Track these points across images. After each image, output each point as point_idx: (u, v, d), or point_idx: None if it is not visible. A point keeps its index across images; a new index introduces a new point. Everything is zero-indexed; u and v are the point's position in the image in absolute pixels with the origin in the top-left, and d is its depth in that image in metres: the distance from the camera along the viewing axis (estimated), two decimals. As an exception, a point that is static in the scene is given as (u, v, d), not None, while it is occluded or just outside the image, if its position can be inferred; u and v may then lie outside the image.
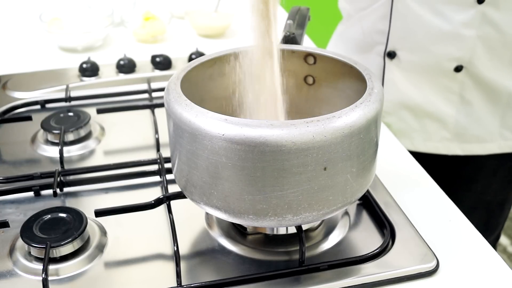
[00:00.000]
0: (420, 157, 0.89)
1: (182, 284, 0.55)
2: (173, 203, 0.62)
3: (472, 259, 0.59)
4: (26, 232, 0.58)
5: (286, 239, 0.60)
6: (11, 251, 0.60)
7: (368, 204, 0.66)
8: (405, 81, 0.93)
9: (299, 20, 0.70)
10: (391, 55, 0.93)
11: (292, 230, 0.59)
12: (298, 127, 0.47)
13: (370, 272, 0.56)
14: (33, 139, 0.81)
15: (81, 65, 0.99)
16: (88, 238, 0.60)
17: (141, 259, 0.59)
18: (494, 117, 0.93)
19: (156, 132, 0.78)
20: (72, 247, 0.58)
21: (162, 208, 0.63)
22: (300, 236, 0.56)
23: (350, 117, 0.49)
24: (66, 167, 0.73)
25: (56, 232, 0.59)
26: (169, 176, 0.67)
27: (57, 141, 0.78)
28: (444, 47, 0.88)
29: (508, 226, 1.89)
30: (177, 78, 0.56)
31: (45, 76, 0.99)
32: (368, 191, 0.66)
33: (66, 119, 0.81)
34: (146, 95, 0.92)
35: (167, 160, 0.69)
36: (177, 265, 0.55)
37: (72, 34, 1.13)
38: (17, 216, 0.65)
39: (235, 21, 1.27)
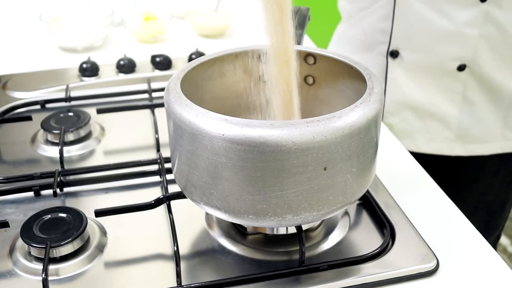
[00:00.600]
0: (421, 157, 0.89)
1: (182, 284, 0.55)
2: (173, 203, 0.62)
3: (472, 259, 0.59)
4: (26, 232, 0.58)
5: (286, 239, 0.60)
6: (11, 251, 0.60)
7: (368, 204, 0.66)
8: (408, 81, 0.93)
9: (299, 20, 0.70)
10: (394, 54, 0.92)
11: (292, 230, 0.59)
12: (298, 127, 0.47)
13: (370, 272, 0.56)
14: (33, 139, 0.81)
15: (81, 65, 0.99)
16: (88, 238, 0.60)
17: (141, 259, 0.59)
18: (496, 117, 0.93)
19: (156, 132, 0.78)
20: (72, 247, 0.58)
21: (162, 208, 0.63)
22: (300, 236, 0.56)
23: (350, 117, 0.49)
24: (66, 167, 0.73)
25: (56, 232, 0.59)
26: (169, 176, 0.67)
27: (57, 141, 0.78)
28: (446, 46, 0.87)
29: (508, 226, 1.89)
30: (177, 78, 0.56)
31: (45, 76, 0.99)
32: (368, 191, 0.66)
33: (66, 119, 0.81)
34: (146, 95, 0.92)
35: (167, 160, 0.69)
36: (177, 265, 0.55)
37: (72, 34, 1.13)
38: (17, 216, 0.65)
39: (235, 21, 1.27)
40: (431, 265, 0.57)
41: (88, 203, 0.68)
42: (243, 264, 0.58)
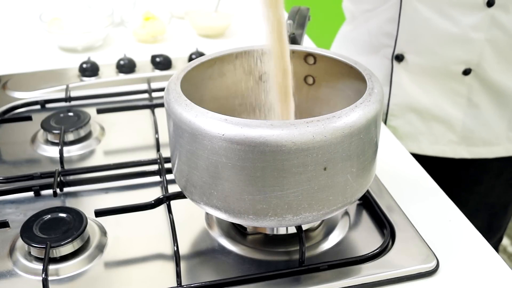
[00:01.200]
0: (424, 159, 0.89)
1: (182, 284, 0.55)
2: (173, 203, 0.62)
3: (472, 259, 0.59)
4: (26, 232, 0.58)
5: (286, 239, 0.60)
6: (11, 251, 0.60)
7: (368, 204, 0.66)
8: (413, 84, 0.93)
9: (299, 20, 0.70)
10: (399, 58, 0.92)
11: (292, 230, 0.59)
12: (298, 127, 0.47)
13: (370, 272, 0.56)
14: (33, 139, 0.81)
15: (81, 65, 0.99)
16: (88, 238, 0.60)
17: (141, 259, 0.59)
18: (501, 120, 0.93)
19: (156, 132, 0.78)
20: (72, 247, 0.58)
21: (162, 208, 0.63)
22: (300, 236, 0.56)
23: (350, 117, 0.49)
24: (66, 167, 0.73)
25: (56, 232, 0.59)
26: (169, 176, 0.67)
27: (57, 141, 0.78)
28: (452, 50, 0.87)
29: (508, 226, 1.89)
30: (177, 78, 0.56)
31: (45, 76, 0.99)
32: (368, 191, 0.66)
33: (66, 119, 0.81)
34: (146, 95, 0.92)
35: (167, 160, 0.69)
36: (177, 265, 0.55)
37: (72, 34, 1.13)
38: (17, 216, 0.65)
39: (235, 21, 1.27)
40: (431, 265, 0.57)
41: (88, 203, 0.68)
42: (243, 264, 0.58)
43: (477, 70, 0.88)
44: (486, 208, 1.03)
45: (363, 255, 0.58)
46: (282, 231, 0.59)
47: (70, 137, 0.79)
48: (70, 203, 0.68)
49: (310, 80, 0.67)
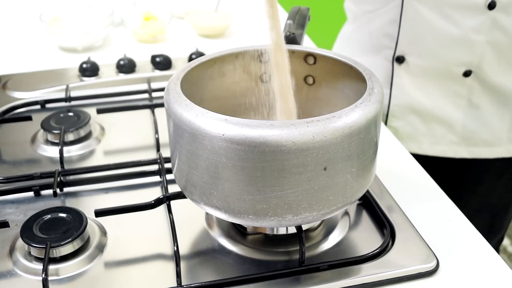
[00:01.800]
0: (425, 159, 0.89)
1: (182, 284, 0.55)
2: (173, 203, 0.62)
3: (472, 259, 0.59)
4: (26, 232, 0.58)
5: (286, 239, 0.60)
6: (11, 251, 0.60)
7: (368, 204, 0.66)
8: (413, 85, 0.93)
9: (299, 20, 0.70)
10: (400, 60, 0.92)
11: (292, 230, 0.59)
12: (298, 127, 0.47)
13: (370, 272, 0.56)
14: (33, 139, 0.81)
15: (81, 65, 0.99)
16: (88, 238, 0.60)
17: (141, 259, 0.59)
18: (502, 121, 0.93)
19: (156, 132, 0.78)
20: (72, 247, 0.58)
21: (162, 208, 0.63)
22: (300, 236, 0.56)
23: (350, 117, 0.49)
24: (66, 167, 0.73)
25: (56, 232, 0.59)
26: (169, 176, 0.67)
27: (57, 141, 0.78)
28: (453, 52, 0.87)
29: (509, 226, 1.89)
30: (177, 78, 0.56)
31: (45, 76, 0.99)
32: (368, 191, 0.66)
33: (66, 119, 0.81)
34: (146, 95, 0.92)
35: (167, 160, 0.69)
36: (177, 265, 0.55)
37: (72, 34, 1.13)
38: (17, 216, 0.65)
39: (235, 21, 1.27)
40: (431, 265, 0.57)
41: (88, 203, 0.68)
42: (243, 264, 0.58)
43: (478, 72, 0.88)
44: (487, 209, 1.03)
45: (363, 255, 0.58)
46: (282, 231, 0.59)
47: (70, 137, 0.79)
48: (70, 203, 0.68)
49: (310, 80, 0.67)
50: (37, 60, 1.09)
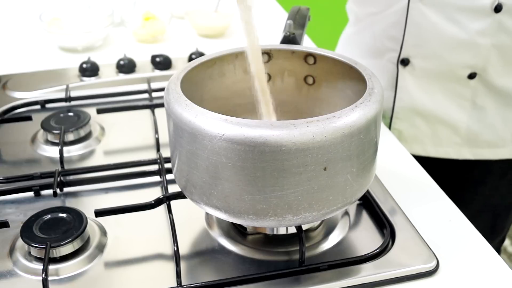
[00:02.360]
0: (428, 160, 0.89)
1: (182, 284, 0.55)
2: (173, 203, 0.62)
3: (472, 259, 0.59)
4: (26, 232, 0.58)
5: (286, 239, 0.60)
6: (11, 251, 0.60)
7: (368, 204, 0.66)
8: (418, 88, 0.93)
9: (299, 20, 0.70)
10: (404, 62, 0.92)
11: (292, 230, 0.59)
12: (298, 127, 0.47)
13: (370, 272, 0.56)
14: (33, 139, 0.81)
15: (81, 65, 0.99)
16: (88, 238, 0.60)
17: (141, 259, 0.59)
18: (506, 122, 0.93)
19: (156, 132, 0.78)
20: (72, 247, 0.58)
21: (162, 208, 0.63)
22: (300, 236, 0.56)
23: (350, 117, 0.49)
24: (66, 167, 0.73)
25: (56, 232, 0.59)
26: (169, 176, 0.67)
27: (57, 141, 0.78)
28: (458, 55, 0.87)
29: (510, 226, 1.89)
30: (177, 78, 0.56)
31: (45, 76, 0.99)
32: (368, 191, 0.66)
33: (66, 119, 0.81)
34: (146, 95, 0.92)
35: (167, 160, 0.69)
36: (177, 265, 0.55)
37: (72, 34, 1.13)
38: (17, 216, 0.65)
39: (235, 21, 1.27)
40: (431, 265, 0.57)
41: (88, 203, 0.68)
42: (243, 264, 0.58)
43: (482, 74, 0.88)
44: (490, 209, 1.03)
45: (363, 255, 0.58)
46: (282, 231, 0.59)
47: (70, 137, 0.79)
48: (70, 203, 0.68)
49: (310, 80, 0.67)
50: (37, 60, 1.09)
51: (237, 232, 0.62)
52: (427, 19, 0.87)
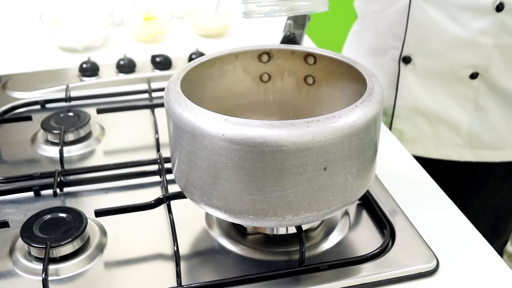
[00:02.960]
0: (430, 162, 0.88)
1: (182, 284, 0.55)
2: (173, 203, 0.62)
3: (472, 259, 0.59)
4: (26, 232, 0.58)
5: (286, 239, 0.60)
6: (11, 251, 0.60)
7: (368, 204, 0.66)
8: (420, 86, 0.93)
9: (299, 20, 0.70)
10: (406, 60, 0.92)
11: (292, 230, 0.59)
12: (298, 127, 0.47)
13: (370, 272, 0.56)
14: (33, 139, 0.81)
15: (81, 65, 0.99)
16: (88, 238, 0.60)
17: (141, 259, 0.59)
18: (508, 124, 0.92)
19: (156, 132, 0.78)
20: (72, 247, 0.58)
21: (162, 208, 0.63)
22: (300, 236, 0.56)
23: (350, 117, 0.49)
24: (66, 167, 0.73)
25: (56, 232, 0.59)
26: (169, 176, 0.67)
27: (57, 141, 0.78)
28: (460, 54, 0.87)
29: (508, 226, 1.89)
30: (177, 78, 0.56)
31: (45, 76, 0.99)
32: (368, 191, 0.66)
33: (66, 119, 0.81)
34: (146, 95, 0.92)
35: (167, 160, 0.69)
36: (177, 265, 0.55)
37: (72, 34, 1.13)
38: (17, 216, 0.65)
39: (235, 21, 1.27)
40: (431, 265, 0.57)
41: (88, 203, 0.68)
42: (243, 264, 0.58)
43: (485, 74, 0.88)
44: (492, 211, 1.02)
45: (363, 255, 0.58)
46: (282, 231, 0.59)
47: (70, 137, 0.79)
48: (70, 203, 0.68)
49: (310, 80, 0.67)
50: (37, 60, 1.09)
51: (237, 232, 0.62)
52: (428, 17, 0.86)
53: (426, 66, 0.91)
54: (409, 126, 0.96)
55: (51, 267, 0.57)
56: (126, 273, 0.58)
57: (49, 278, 0.54)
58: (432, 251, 0.59)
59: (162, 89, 0.92)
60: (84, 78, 0.98)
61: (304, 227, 0.59)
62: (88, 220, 0.61)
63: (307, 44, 1.16)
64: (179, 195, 0.61)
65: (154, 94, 0.92)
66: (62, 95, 0.91)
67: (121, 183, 0.71)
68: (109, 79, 0.98)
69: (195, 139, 0.50)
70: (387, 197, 0.67)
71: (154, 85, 0.94)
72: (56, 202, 0.67)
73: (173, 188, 0.63)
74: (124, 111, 0.84)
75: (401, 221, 0.63)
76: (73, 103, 0.91)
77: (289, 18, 0.70)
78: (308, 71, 0.66)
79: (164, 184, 0.67)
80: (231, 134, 0.48)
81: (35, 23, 1.20)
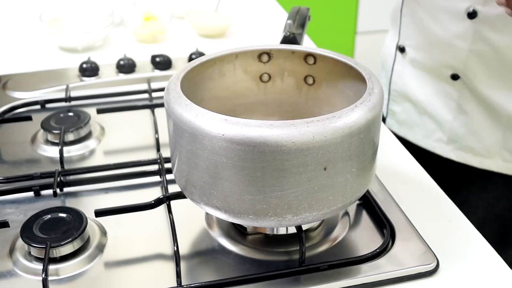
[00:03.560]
0: (435, 161, 0.90)
1: (182, 284, 0.55)
2: (173, 203, 0.62)
3: (472, 259, 0.59)
4: (26, 232, 0.58)
5: (286, 239, 0.60)
6: (11, 251, 0.60)
7: (368, 204, 0.66)
8: (411, 76, 0.95)
9: (299, 20, 0.70)
10: (401, 49, 0.95)
11: (292, 230, 0.59)
12: (298, 127, 0.47)
13: (370, 272, 0.56)
14: (33, 139, 0.81)
15: (81, 65, 0.99)
16: (88, 238, 0.60)
17: (141, 259, 0.59)
18: (493, 134, 0.90)
19: (156, 132, 0.78)
20: (72, 247, 0.58)
21: (162, 208, 0.63)
22: (300, 236, 0.57)
23: (350, 117, 0.49)
24: (66, 167, 0.73)
25: (56, 232, 0.59)
26: (169, 176, 0.67)
27: (57, 141, 0.78)
28: (440, 53, 0.88)
29: None
30: (177, 78, 0.56)
31: (45, 76, 0.99)
32: (368, 191, 0.66)
33: (66, 119, 0.81)
34: (146, 95, 0.92)
35: (167, 160, 0.70)
36: (177, 265, 0.55)
37: (72, 34, 1.13)
38: (17, 216, 0.65)
39: (235, 21, 1.27)
40: (431, 265, 0.57)
41: (88, 203, 0.68)
42: (243, 264, 0.58)
43: (464, 79, 0.87)
44: (496, 218, 1.00)
45: (363, 255, 0.58)
46: (282, 231, 0.59)
47: (70, 137, 0.79)
48: (70, 203, 0.68)
49: (310, 80, 0.67)
50: (37, 60, 1.09)
51: (237, 232, 0.62)
52: (416, 13, 0.89)
53: (416, 59, 0.93)
54: (401, 110, 0.99)
55: (51, 267, 0.57)
56: (126, 273, 0.58)
57: (49, 278, 0.54)
58: (432, 251, 0.59)
59: (162, 89, 0.92)
60: (84, 78, 0.98)
61: (304, 227, 0.59)
62: (88, 220, 0.61)
63: (307, 44, 1.16)
64: (179, 195, 0.61)
65: (154, 94, 0.92)
66: (62, 95, 0.91)
67: (121, 183, 0.71)
68: (109, 79, 0.98)
69: (195, 139, 0.50)
70: (387, 197, 0.67)
71: (154, 85, 0.94)
72: (56, 202, 0.67)
73: (173, 188, 0.63)
74: (124, 111, 0.84)
75: (401, 221, 0.63)
76: (73, 103, 0.91)
77: (289, 18, 0.70)
78: (308, 71, 0.66)
79: (164, 184, 0.67)
80: (231, 134, 0.48)
81: (35, 23, 1.20)
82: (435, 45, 0.88)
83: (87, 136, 0.81)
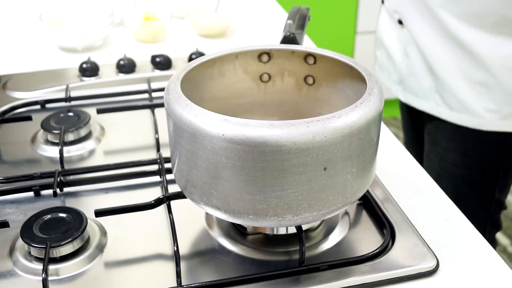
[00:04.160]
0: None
1: (182, 284, 0.55)
2: (173, 203, 0.62)
3: (472, 259, 0.59)
4: (26, 232, 0.58)
5: (286, 239, 0.60)
6: (11, 251, 0.60)
7: (368, 204, 0.66)
8: (383, 22, 1.11)
9: (299, 20, 0.70)
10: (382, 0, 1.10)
11: (292, 230, 0.59)
12: (298, 127, 0.47)
13: (370, 272, 0.56)
14: (33, 139, 0.81)
15: (81, 65, 0.99)
16: (88, 238, 0.60)
17: (141, 259, 0.59)
18: (427, 78, 1.00)
19: (156, 132, 0.78)
20: (72, 247, 0.58)
21: (162, 208, 0.63)
22: (300, 236, 0.57)
23: (350, 117, 0.49)
24: (66, 167, 0.73)
25: (56, 232, 0.59)
26: (169, 176, 0.67)
27: (57, 141, 0.78)
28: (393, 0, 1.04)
29: (508, 226, 1.89)
30: (177, 78, 0.56)
31: (45, 76, 0.99)
32: (368, 191, 0.66)
33: (66, 119, 0.81)
34: (146, 95, 0.92)
35: (167, 160, 0.70)
36: (177, 265, 0.55)
37: (72, 34, 1.13)
38: (17, 216, 0.65)
39: (235, 21, 1.27)
40: (431, 265, 0.57)
41: (88, 203, 0.68)
42: (243, 264, 0.58)
43: (405, 24, 1.01)
44: (448, 176, 1.05)
45: (363, 255, 0.58)
46: (282, 231, 0.60)
47: (70, 137, 0.79)
48: (70, 203, 0.68)
49: (310, 80, 0.67)
50: (37, 60, 1.09)
51: (237, 232, 0.62)
52: None
53: (385, 5, 1.09)
54: (379, 54, 1.15)
55: (51, 267, 0.57)
56: (126, 273, 0.58)
57: (49, 278, 0.54)
58: (432, 251, 0.59)
59: (162, 89, 0.92)
60: (84, 78, 0.98)
61: (304, 227, 0.59)
62: (88, 220, 0.61)
63: (307, 44, 1.16)
64: (179, 195, 0.61)
65: (154, 94, 0.92)
66: (62, 95, 0.91)
67: (121, 183, 0.71)
68: (109, 79, 0.98)
69: (195, 139, 0.50)
70: (387, 197, 0.67)
71: (154, 85, 0.94)
72: (56, 202, 0.68)
73: (173, 188, 0.64)
74: (124, 111, 0.84)
75: (401, 221, 0.63)
76: (73, 103, 0.91)
77: (289, 18, 0.70)
78: (308, 71, 0.66)
79: (164, 184, 0.67)
80: (231, 134, 0.48)
81: (35, 23, 1.20)
82: None
83: (87, 136, 0.81)
